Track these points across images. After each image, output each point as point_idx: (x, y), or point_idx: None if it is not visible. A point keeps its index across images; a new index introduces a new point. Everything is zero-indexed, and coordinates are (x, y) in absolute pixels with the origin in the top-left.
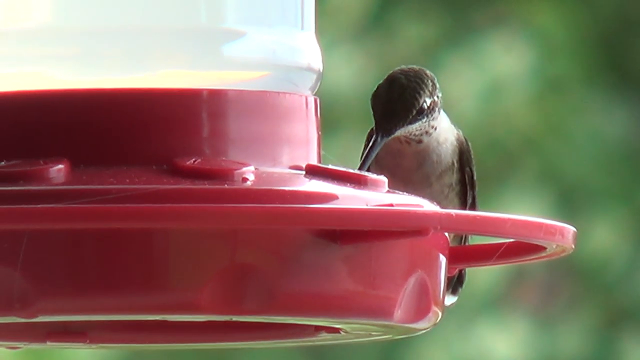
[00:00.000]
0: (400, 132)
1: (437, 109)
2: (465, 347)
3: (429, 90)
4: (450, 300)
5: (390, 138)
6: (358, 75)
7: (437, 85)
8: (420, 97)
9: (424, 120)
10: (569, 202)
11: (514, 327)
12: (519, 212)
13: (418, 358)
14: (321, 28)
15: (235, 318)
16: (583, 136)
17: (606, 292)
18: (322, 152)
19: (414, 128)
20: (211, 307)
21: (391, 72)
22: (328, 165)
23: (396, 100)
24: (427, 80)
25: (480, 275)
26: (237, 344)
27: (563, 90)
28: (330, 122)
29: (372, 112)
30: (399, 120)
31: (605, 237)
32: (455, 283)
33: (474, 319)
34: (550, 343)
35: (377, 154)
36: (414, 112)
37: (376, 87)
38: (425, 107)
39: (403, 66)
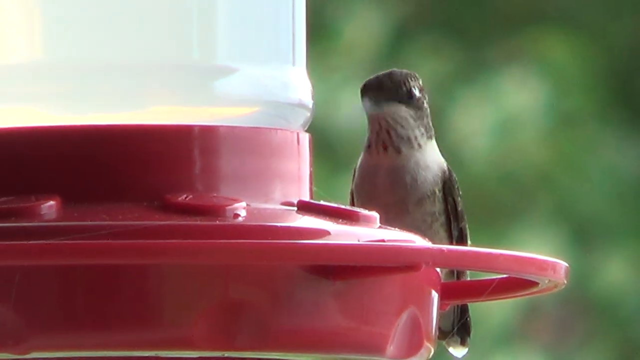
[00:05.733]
0: (389, 108)
1: (424, 107)
2: None
3: (418, 84)
4: (460, 352)
5: (379, 111)
6: None
7: (425, 92)
8: (410, 81)
9: (411, 110)
10: (583, 237)
11: None
12: (533, 248)
13: None
14: (334, 65)
15: (227, 354)
16: (597, 171)
17: (621, 327)
18: (314, 189)
19: (401, 114)
20: (204, 343)
21: None
22: (320, 201)
23: (386, 78)
24: (418, 79)
25: (494, 310)
26: None
27: (577, 125)
28: (342, 157)
29: (361, 103)
30: (389, 92)
31: (620, 272)
32: (462, 333)
33: (489, 354)
34: None
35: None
36: (404, 89)
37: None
38: (415, 93)
39: None
